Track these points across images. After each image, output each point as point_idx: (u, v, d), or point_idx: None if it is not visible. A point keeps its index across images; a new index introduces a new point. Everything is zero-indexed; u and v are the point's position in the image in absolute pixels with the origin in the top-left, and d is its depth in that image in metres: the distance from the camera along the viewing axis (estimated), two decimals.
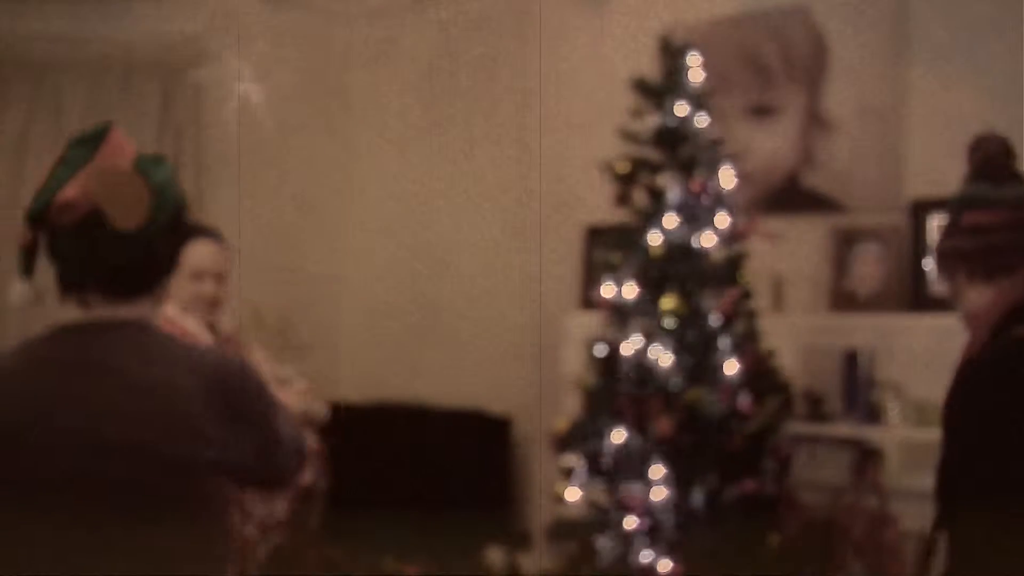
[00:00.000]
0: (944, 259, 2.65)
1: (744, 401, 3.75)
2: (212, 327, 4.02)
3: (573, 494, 3.86)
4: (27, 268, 2.25)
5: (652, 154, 4.00)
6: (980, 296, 2.61)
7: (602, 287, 3.96)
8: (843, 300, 4.69)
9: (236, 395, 2.27)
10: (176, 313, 3.85)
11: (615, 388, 3.77)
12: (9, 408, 2.29)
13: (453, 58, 6.67)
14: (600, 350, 3.90)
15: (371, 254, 6.86)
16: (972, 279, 2.63)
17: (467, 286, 6.84)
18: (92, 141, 2.29)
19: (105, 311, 2.29)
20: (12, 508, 2.29)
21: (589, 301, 5.19)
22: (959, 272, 2.63)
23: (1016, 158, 2.63)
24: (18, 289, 2.26)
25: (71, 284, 2.27)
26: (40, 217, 2.22)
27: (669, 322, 3.76)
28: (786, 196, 4.97)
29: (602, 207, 4.13)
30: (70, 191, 2.18)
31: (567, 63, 6.36)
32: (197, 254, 3.90)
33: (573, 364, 4.61)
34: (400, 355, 6.68)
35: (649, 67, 6.13)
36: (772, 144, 5.04)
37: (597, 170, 4.57)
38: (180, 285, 3.94)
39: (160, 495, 2.26)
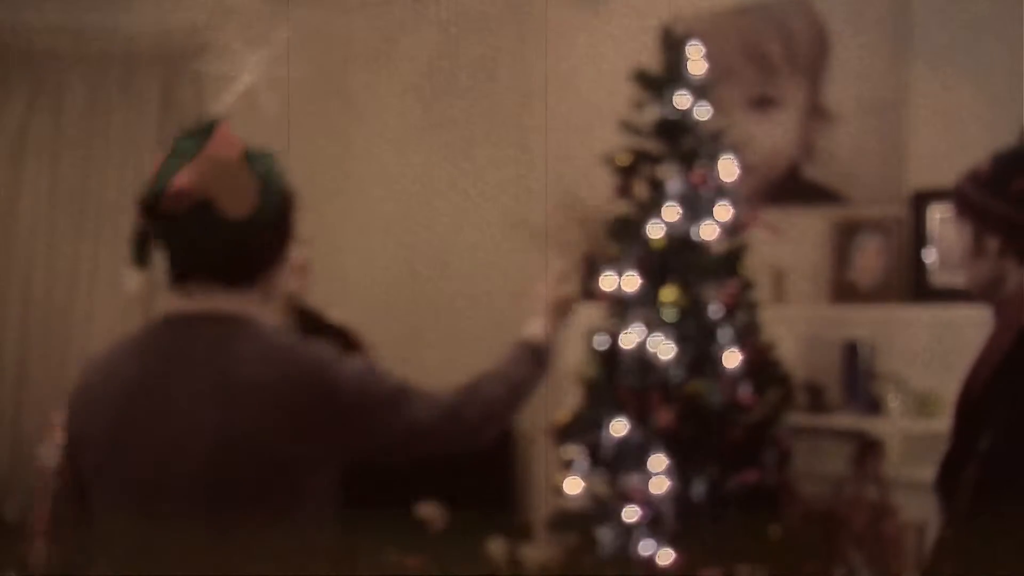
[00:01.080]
0: (980, 220, 2.51)
1: (745, 392, 3.75)
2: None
3: (574, 485, 3.87)
4: (140, 257, 2.31)
5: (653, 146, 4.00)
6: (1011, 276, 2.46)
7: (602, 279, 3.96)
8: (844, 292, 4.69)
9: (329, 396, 2.26)
10: None
11: (616, 380, 3.77)
12: (108, 402, 2.35)
13: (453, 58, 6.67)
14: (600, 342, 3.91)
15: (371, 254, 6.86)
16: (1005, 255, 2.48)
17: (467, 286, 6.85)
18: (202, 134, 2.32)
19: (209, 302, 2.33)
20: (115, 505, 2.36)
21: (589, 293, 5.20)
22: (989, 242, 2.51)
23: None
24: (133, 278, 2.27)
25: (179, 273, 2.31)
26: (153, 206, 2.27)
27: (670, 314, 3.76)
28: (787, 188, 4.97)
29: (596, 198, 4.13)
30: (182, 179, 2.23)
31: (567, 63, 6.36)
32: None
33: (573, 356, 4.61)
34: (399, 353, 6.68)
35: (649, 66, 6.15)
36: (773, 136, 5.04)
37: (597, 165, 4.58)
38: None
39: (244, 493, 2.26)
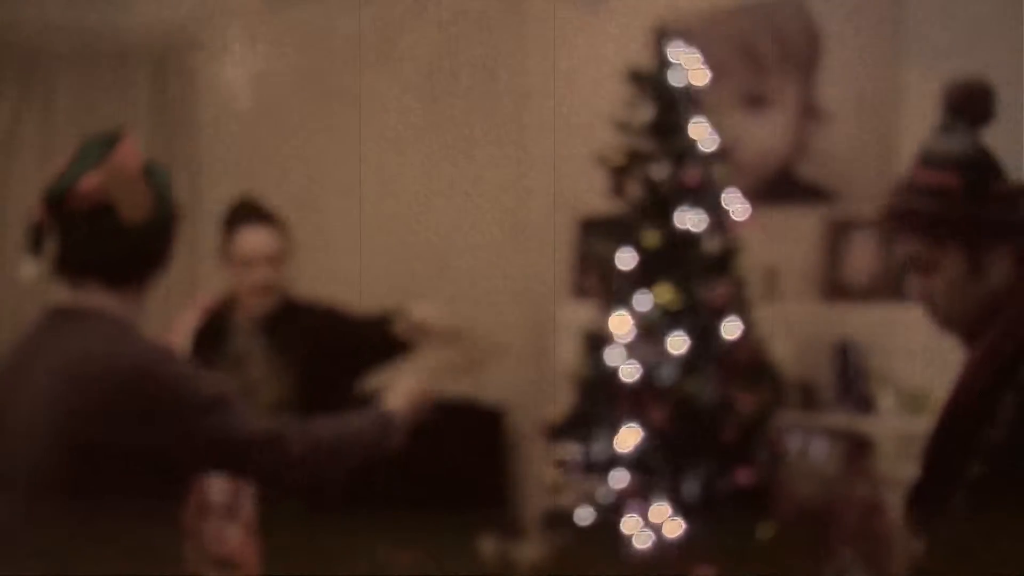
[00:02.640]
0: (974, 236, 2.45)
1: (738, 391, 3.75)
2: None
3: (566, 484, 3.86)
4: (36, 246, 2.49)
5: (646, 145, 4.00)
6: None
7: (596, 278, 3.97)
8: (837, 290, 4.69)
9: (146, 392, 2.42)
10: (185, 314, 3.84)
11: (609, 379, 3.77)
12: None
13: (453, 58, 6.67)
14: (594, 340, 3.91)
15: (371, 254, 6.85)
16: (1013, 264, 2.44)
17: (467, 286, 6.84)
18: (108, 143, 2.51)
19: (87, 298, 2.51)
20: None
21: (583, 292, 5.20)
22: (989, 257, 2.43)
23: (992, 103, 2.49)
24: (27, 266, 2.52)
25: (69, 266, 2.49)
26: (57, 202, 2.46)
27: (662, 312, 3.76)
28: (780, 186, 4.97)
29: (596, 198, 4.13)
30: (90, 182, 2.42)
31: (567, 63, 6.36)
32: (246, 240, 3.90)
33: (567, 355, 4.61)
34: None
35: (643, 65, 6.15)
36: (766, 135, 5.04)
37: (591, 163, 4.57)
38: (232, 274, 3.92)
39: (67, 483, 2.43)
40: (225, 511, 3.88)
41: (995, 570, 2.14)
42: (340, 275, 6.78)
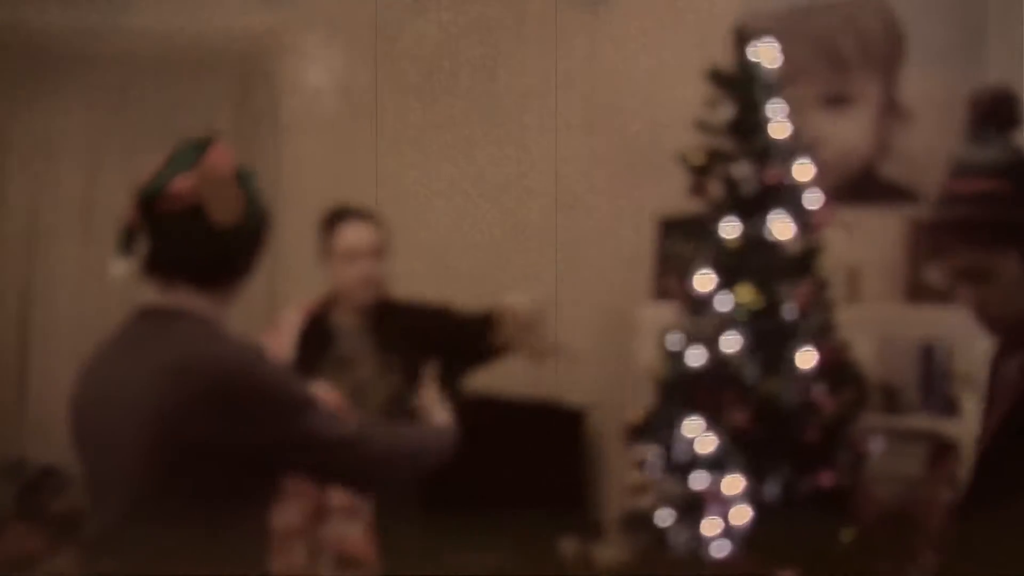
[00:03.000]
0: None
1: (819, 393, 3.72)
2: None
3: (646, 486, 3.85)
4: (127, 247, 2.54)
5: (727, 144, 3.97)
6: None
7: (696, 278, 3.94)
8: (919, 291, 4.64)
9: (239, 390, 2.46)
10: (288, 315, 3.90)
11: (689, 380, 3.76)
12: (80, 392, 2.65)
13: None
14: (674, 341, 3.89)
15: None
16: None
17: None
18: (201, 147, 2.56)
19: (176, 298, 2.56)
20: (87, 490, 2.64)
21: (663, 292, 5.18)
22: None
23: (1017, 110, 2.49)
24: (118, 264, 2.57)
25: (160, 267, 2.54)
26: (149, 203, 2.50)
27: (744, 313, 3.74)
28: (862, 186, 4.92)
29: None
30: (181, 184, 2.47)
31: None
32: (348, 235, 4.02)
33: (647, 355, 4.60)
34: None
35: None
36: (848, 134, 5.00)
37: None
38: (336, 270, 4.00)
39: (164, 479, 2.49)
40: (347, 512, 3.92)
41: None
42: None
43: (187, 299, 2.58)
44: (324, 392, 3.97)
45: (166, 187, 2.49)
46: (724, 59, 5.47)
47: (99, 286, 6.56)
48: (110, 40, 6.61)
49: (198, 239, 2.53)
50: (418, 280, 6.94)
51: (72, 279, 6.59)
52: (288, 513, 3.86)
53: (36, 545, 5.62)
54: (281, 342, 4.02)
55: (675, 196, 4.79)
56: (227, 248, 2.57)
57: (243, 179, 2.59)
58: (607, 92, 6.34)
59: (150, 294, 2.61)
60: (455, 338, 4.05)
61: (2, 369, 6.53)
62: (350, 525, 3.91)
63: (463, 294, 6.95)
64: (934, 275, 2.51)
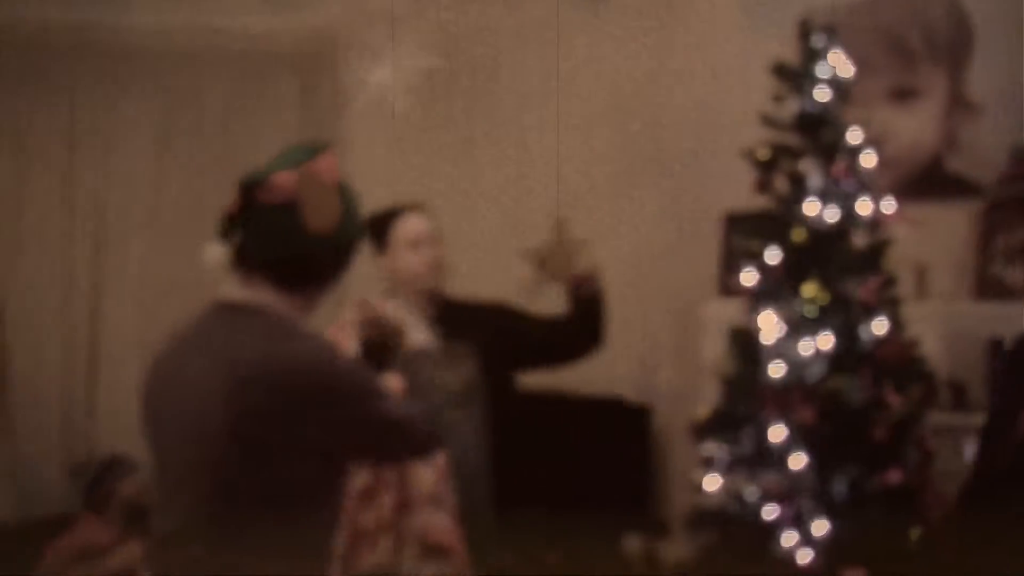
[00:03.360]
0: None
1: (887, 390, 3.69)
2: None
3: (713, 483, 3.84)
4: (226, 233, 2.56)
5: (793, 140, 3.95)
6: None
7: (742, 274, 3.93)
8: (987, 287, 4.59)
9: (324, 385, 2.50)
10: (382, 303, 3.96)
11: (756, 377, 3.74)
12: (152, 383, 2.66)
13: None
14: (740, 337, 3.87)
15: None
16: None
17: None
18: (312, 151, 2.60)
19: (256, 294, 2.57)
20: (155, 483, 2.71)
21: (729, 289, 5.15)
22: None
23: None
24: (214, 250, 2.57)
25: (245, 258, 2.55)
26: (250, 190, 2.53)
27: (811, 309, 3.72)
28: (929, 180, 4.88)
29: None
30: (284, 177, 2.49)
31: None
32: (409, 225, 4.12)
33: (713, 352, 4.58)
34: None
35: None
36: (915, 128, 4.95)
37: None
38: (400, 258, 4.08)
39: (240, 475, 2.50)
40: (432, 501, 3.95)
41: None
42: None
43: (264, 296, 2.59)
44: (391, 382, 4.04)
45: (269, 177, 2.51)
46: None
47: (166, 280, 6.64)
48: (179, 38, 6.67)
49: (287, 237, 2.54)
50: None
51: (140, 273, 6.66)
52: (375, 507, 3.89)
53: (106, 536, 5.68)
54: (344, 340, 4.06)
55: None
56: (313, 253, 2.57)
57: (344, 192, 2.60)
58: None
59: (225, 289, 2.60)
60: (518, 333, 4.08)
61: (73, 364, 6.61)
62: (435, 515, 3.93)
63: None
64: (997, 259, 2.51)
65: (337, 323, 4.17)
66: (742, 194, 5.36)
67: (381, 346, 3.99)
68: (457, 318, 4.11)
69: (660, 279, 6.18)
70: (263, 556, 2.52)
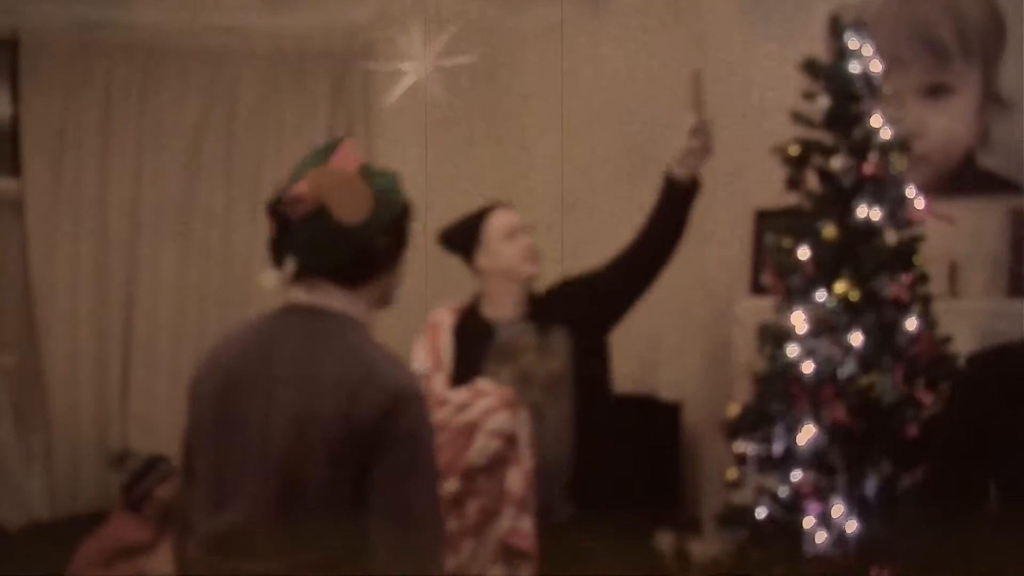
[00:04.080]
0: None
1: (919, 388, 3.67)
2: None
3: (744, 481, 3.83)
4: (275, 258, 2.63)
5: (823, 136, 3.93)
6: None
7: (773, 272, 3.92)
8: (1021, 285, 4.56)
9: (379, 422, 2.49)
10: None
11: (787, 375, 3.73)
12: (216, 378, 2.67)
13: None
14: (771, 336, 3.86)
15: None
16: None
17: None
18: (327, 150, 2.64)
19: (318, 297, 2.63)
20: (204, 484, 2.68)
21: (760, 286, 5.14)
22: None
23: None
24: (268, 275, 2.65)
25: (301, 269, 2.60)
26: (276, 208, 2.59)
27: (842, 307, 3.70)
28: (962, 177, 4.86)
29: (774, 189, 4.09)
30: (300, 187, 2.54)
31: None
32: (502, 219, 4.19)
33: (745, 350, 4.57)
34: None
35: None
36: (947, 124, 4.93)
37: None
38: (498, 251, 4.13)
39: (309, 482, 2.52)
40: (519, 505, 3.97)
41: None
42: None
43: (332, 300, 2.65)
44: (486, 387, 4.07)
45: (287, 192, 2.56)
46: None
47: (200, 278, 6.68)
48: (211, 37, 6.70)
49: (328, 237, 2.57)
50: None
51: (174, 271, 6.70)
52: (461, 513, 3.90)
53: (142, 535, 5.71)
54: (438, 342, 4.15)
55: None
56: (359, 244, 2.61)
57: (371, 176, 2.63)
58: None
59: (293, 293, 2.66)
60: (590, 283, 4.19)
61: (107, 361, 6.65)
62: (520, 520, 3.95)
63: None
64: None
65: (429, 328, 4.25)
66: (743, 194, 5.39)
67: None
68: (545, 303, 4.19)
69: (660, 279, 6.18)
70: (325, 559, 2.53)
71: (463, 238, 4.38)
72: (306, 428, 2.54)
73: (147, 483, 5.82)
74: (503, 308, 4.21)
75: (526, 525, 3.96)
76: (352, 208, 2.59)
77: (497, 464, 3.99)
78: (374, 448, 2.50)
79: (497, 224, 4.25)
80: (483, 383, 4.09)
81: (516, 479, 3.94)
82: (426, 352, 4.23)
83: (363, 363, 2.57)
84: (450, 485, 3.96)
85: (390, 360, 2.61)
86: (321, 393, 2.54)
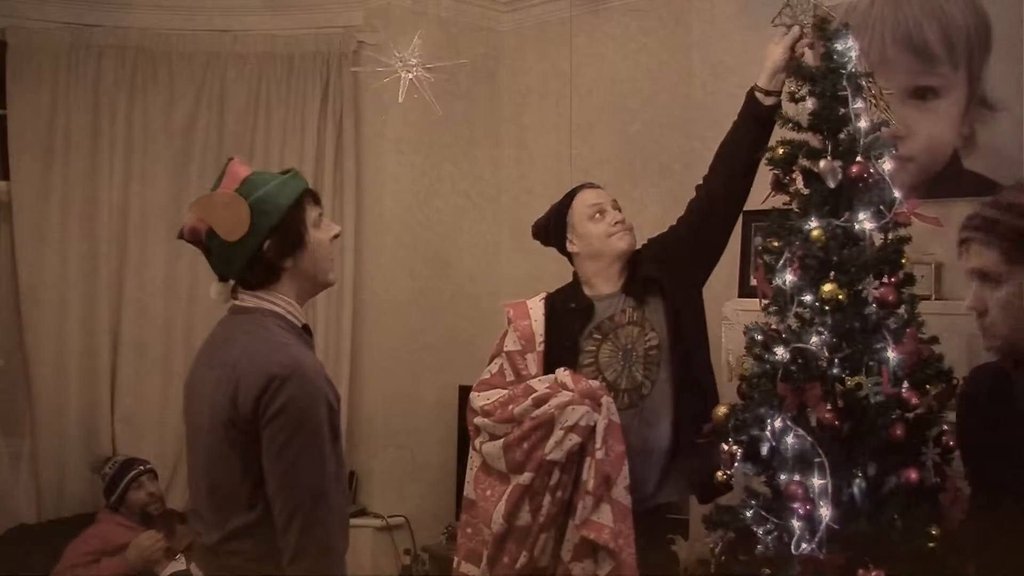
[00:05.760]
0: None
1: (905, 389, 3.68)
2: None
3: (731, 481, 3.83)
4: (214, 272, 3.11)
5: (810, 139, 3.94)
6: None
7: (760, 274, 3.93)
8: None
9: (256, 402, 2.84)
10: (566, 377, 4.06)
11: (774, 375, 3.73)
12: (187, 377, 3.19)
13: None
14: (758, 337, 3.87)
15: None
16: None
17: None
18: (219, 178, 3.05)
19: (239, 300, 3.08)
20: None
21: (747, 288, 5.15)
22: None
23: None
24: (214, 287, 3.10)
25: (222, 279, 3.08)
26: (181, 238, 3.09)
27: (828, 309, 3.71)
28: (948, 179, 4.87)
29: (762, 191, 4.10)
30: (189, 220, 3.01)
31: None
32: (585, 197, 4.36)
33: (731, 352, 4.58)
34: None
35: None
36: (933, 126, 4.95)
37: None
38: (585, 231, 4.18)
39: (223, 460, 2.94)
40: (597, 494, 3.99)
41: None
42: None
43: (253, 299, 3.04)
44: (568, 379, 4.08)
45: (184, 226, 3.02)
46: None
47: (187, 281, 6.66)
48: (201, 38, 6.70)
49: (223, 253, 2.98)
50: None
51: (161, 274, 6.68)
52: (535, 506, 3.90)
53: (124, 536, 5.71)
54: (526, 325, 4.21)
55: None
56: (248, 253, 2.96)
57: (249, 190, 2.98)
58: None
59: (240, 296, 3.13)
60: (672, 238, 4.40)
61: (95, 365, 6.63)
62: (597, 511, 3.94)
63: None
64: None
65: (518, 311, 4.29)
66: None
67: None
68: (634, 278, 4.35)
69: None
70: (246, 528, 2.92)
71: (550, 229, 4.42)
72: (214, 414, 2.89)
73: (122, 486, 5.84)
74: (600, 285, 4.25)
75: (604, 517, 3.94)
76: (231, 227, 2.90)
77: (574, 457, 4.00)
78: (257, 427, 2.82)
79: (581, 204, 4.31)
80: (565, 375, 4.10)
81: (591, 471, 3.94)
82: (516, 336, 4.24)
83: (249, 350, 2.91)
84: (523, 479, 3.96)
85: (273, 345, 2.92)
86: (221, 381, 2.88)
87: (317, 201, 3.19)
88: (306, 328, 3.18)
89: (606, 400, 4.11)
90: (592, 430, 4.04)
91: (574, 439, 4.02)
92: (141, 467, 6.04)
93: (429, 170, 6.90)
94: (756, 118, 4.12)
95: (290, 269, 3.04)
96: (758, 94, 4.07)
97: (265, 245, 2.98)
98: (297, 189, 3.07)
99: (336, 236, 3.20)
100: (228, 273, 3.04)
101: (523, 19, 6.92)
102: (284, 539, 2.84)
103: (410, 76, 5.19)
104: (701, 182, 4.41)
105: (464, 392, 5.27)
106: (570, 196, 4.47)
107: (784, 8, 4.06)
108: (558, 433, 4.03)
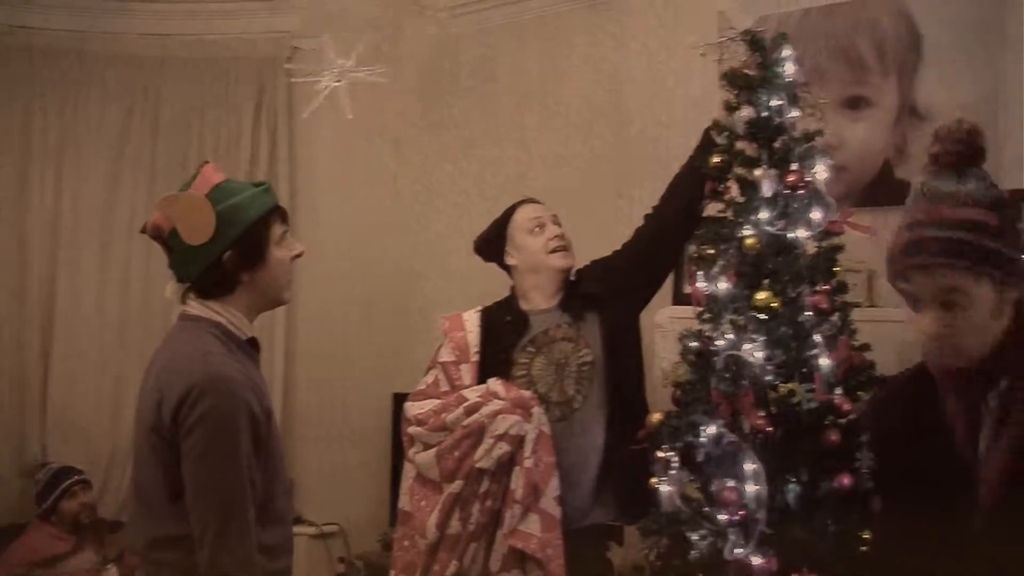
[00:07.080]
0: (1003, 273, 2.60)
1: (838, 396, 3.71)
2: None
3: (665, 488, 3.85)
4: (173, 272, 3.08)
5: (745, 147, 3.97)
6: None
7: (695, 281, 3.94)
8: None
9: (176, 410, 2.84)
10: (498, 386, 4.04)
11: (708, 382, 3.75)
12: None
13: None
14: (693, 345, 3.88)
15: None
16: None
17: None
18: (191, 180, 3.02)
19: (189, 307, 3.04)
20: None
21: (681, 295, 5.17)
22: (1009, 294, 2.61)
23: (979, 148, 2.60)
24: (169, 287, 3.08)
25: (180, 282, 3.05)
26: (144, 233, 3.05)
27: (762, 316, 3.73)
28: (880, 188, 4.92)
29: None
30: (154, 216, 2.97)
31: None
32: (524, 212, 4.35)
33: (666, 359, 4.59)
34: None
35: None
36: (866, 136, 5.00)
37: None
38: (523, 245, 4.17)
39: (151, 467, 2.95)
40: (525, 503, 3.96)
41: None
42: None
43: (194, 306, 3.02)
44: (499, 389, 4.07)
45: (148, 221, 2.99)
46: (725, 59, 5.47)
47: (121, 285, 6.60)
48: (136, 43, 6.64)
49: (182, 256, 2.95)
50: (417, 279, 6.96)
51: (94, 283, 6.62)
52: (465, 515, 3.88)
53: (56, 546, 5.64)
54: (461, 337, 4.20)
55: None
56: (207, 260, 2.94)
57: (220, 197, 2.94)
58: (607, 92, 6.33)
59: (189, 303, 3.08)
60: (620, 260, 4.39)
61: (26, 373, 6.56)
62: (525, 520, 3.93)
63: (463, 293, 7.01)
64: (904, 289, 2.61)
65: (453, 324, 4.27)
66: None
67: None
68: (573, 295, 4.35)
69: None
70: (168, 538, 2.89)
71: (491, 242, 4.41)
72: (141, 420, 2.92)
73: (55, 495, 5.77)
74: (537, 300, 4.25)
75: (532, 526, 3.93)
76: (196, 230, 2.87)
77: (504, 467, 4.00)
78: (177, 436, 2.82)
79: (520, 220, 4.31)
80: (496, 384, 4.10)
81: (519, 480, 3.94)
82: (450, 348, 4.24)
83: (175, 358, 2.92)
84: (454, 487, 3.95)
85: (199, 354, 2.90)
86: (150, 388, 2.91)
87: (284, 219, 3.17)
88: (252, 341, 3.15)
89: (537, 410, 4.12)
90: (522, 439, 4.05)
91: (504, 447, 4.03)
92: (76, 476, 5.97)
93: (365, 173, 6.88)
94: (706, 151, 4.14)
95: (246, 283, 3.03)
96: (713, 132, 4.08)
97: (225, 255, 2.96)
98: (266, 204, 3.05)
99: (298, 256, 3.17)
100: (185, 275, 3.02)
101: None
102: (200, 554, 2.81)
103: (335, 84, 5.18)
104: (651, 211, 4.43)
105: (399, 399, 5.26)
106: (511, 210, 4.48)
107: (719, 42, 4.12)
108: (488, 441, 4.04)
